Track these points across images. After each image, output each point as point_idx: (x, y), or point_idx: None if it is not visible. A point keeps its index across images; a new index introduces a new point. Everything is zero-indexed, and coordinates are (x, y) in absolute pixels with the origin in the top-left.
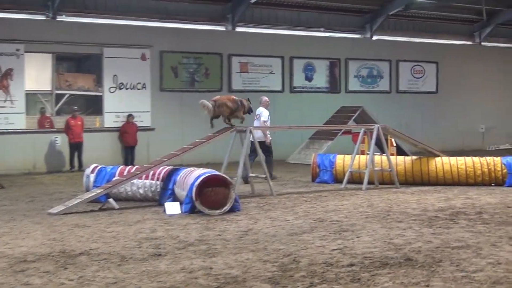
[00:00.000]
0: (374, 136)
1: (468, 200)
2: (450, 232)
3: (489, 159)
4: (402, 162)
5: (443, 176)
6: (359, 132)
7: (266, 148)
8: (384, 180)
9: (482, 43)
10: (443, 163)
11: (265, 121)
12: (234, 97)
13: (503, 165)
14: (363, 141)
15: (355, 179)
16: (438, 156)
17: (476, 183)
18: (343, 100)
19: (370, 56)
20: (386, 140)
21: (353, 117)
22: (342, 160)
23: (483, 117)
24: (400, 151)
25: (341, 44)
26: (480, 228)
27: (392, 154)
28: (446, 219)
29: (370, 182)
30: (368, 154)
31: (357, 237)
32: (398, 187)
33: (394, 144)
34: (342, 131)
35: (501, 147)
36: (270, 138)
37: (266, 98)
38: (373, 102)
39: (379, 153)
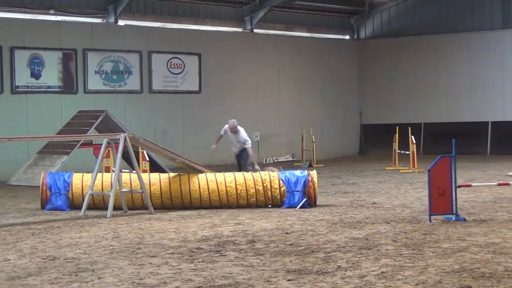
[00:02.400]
0: (120, 149)
1: (238, 226)
2: (215, 267)
3: (265, 174)
4: (157, 181)
5: (208, 197)
6: (101, 144)
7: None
8: (135, 204)
9: (255, 30)
10: (208, 181)
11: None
12: None
13: (281, 182)
14: (107, 155)
15: (98, 204)
16: (202, 172)
17: (249, 204)
18: (81, 102)
19: (116, 46)
20: (137, 153)
21: (95, 125)
22: (80, 180)
23: (258, 123)
24: (155, 167)
25: (77, 31)
26: (252, 261)
27: (145, 171)
28: (211, 251)
29: (117, 208)
30: (113, 171)
31: (99, 278)
32: (152, 212)
33: (147, 158)
34: (81, 142)
35: (281, 159)
36: None
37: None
38: (120, 104)
39: (128, 170)
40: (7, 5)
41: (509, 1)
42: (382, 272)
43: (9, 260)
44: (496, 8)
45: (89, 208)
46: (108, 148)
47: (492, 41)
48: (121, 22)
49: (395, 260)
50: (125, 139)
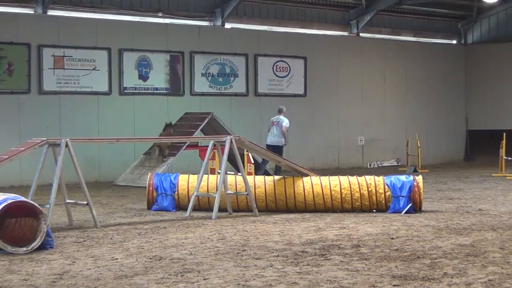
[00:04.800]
0: (226, 151)
1: (343, 231)
2: (320, 270)
3: (370, 179)
4: (262, 183)
5: (312, 200)
6: (207, 146)
7: (280, 152)
8: (240, 206)
9: (361, 34)
10: (312, 184)
11: (287, 128)
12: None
13: (386, 187)
14: (212, 157)
15: (203, 206)
16: (306, 175)
17: (353, 208)
18: (187, 104)
19: (222, 49)
20: (242, 155)
21: (201, 127)
22: (186, 182)
23: (363, 127)
24: (259, 169)
25: (185, 33)
26: (357, 265)
27: (250, 174)
28: (315, 255)
29: (222, 209)
30: (219, 173)
31: (204, 279)
32: (257, 215)
33: (252, 161)
34: (187, 144)
35: (385, 164)
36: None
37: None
38: (225, 107)
39: (233, 173)
40: (117, 7)
41: None
42: (489, 280)
43: (116, 259)
44: None
45: (194, 209)
46: (214, 150)
47: None
48: (228, 25)
49: (502, 268)
50: (231, 141)
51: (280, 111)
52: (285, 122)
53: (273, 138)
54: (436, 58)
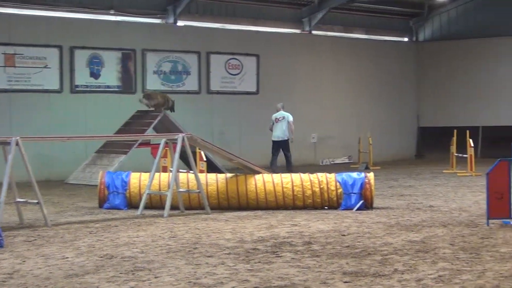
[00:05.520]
0: (178, 149)
1: (295, 228)
2: (271, 268)
3: (322, 176)
4: (214, 181)
5: (264, 198)
6: (159, 144)
7: (287, 146)
8: (192, 204)
9: (313, 32)
10: (264, 182)
11: (292, 122)
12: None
13: (338, 184)
14: (164, 155)
15: (155, 204)
16: (259, 173)
17: (305, 206)
18: (139, 102)
19: (174, 47)
20: (194, 153)
21: (153, 125)
22: (138, 180)
23: (315, 124)
24: (212, 167)
25: (137, 31)
26: (308, 262)
27: (202, 172)
28: (267, 252)
29: (174, 207)
30: (171, 171)
31: (155, 277)
32: (209, 212)
33: (204, 159)
34: (139, 142)
35: (337, 161)
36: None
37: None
38: (177, 105)
39: (185, 170)
40: (69, 5)
41: None
42: (440, 276)
43: (67, 258)
44: None
45: (146, 207)
46: (166, 148)
47: None
48: (180, 23)
49: (452, 264)
50: (183, 139)
51: (280, 108)
52: (291, 117)
53: (279, 134)
54: (387, 56)
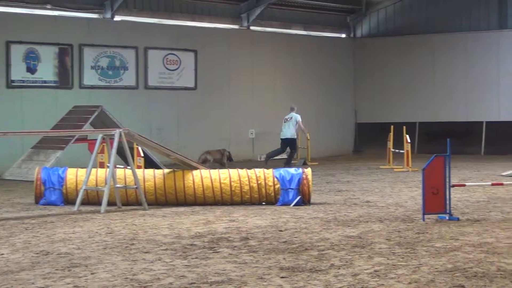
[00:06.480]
0: (115, 144)
1: (232, 223)
2: (208, 263)
3: (259, 172)
4: (151, 177)
5: (202, 193)
6: (96, 139)
7: (293, 145)
8: (129, 200)
9: (251, 28)
10: (202, 177)
11: (300, 121)
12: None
13: (275, 179)
14: (102, 151)
15: (92, 200)
16: (196, 168)
17: (243, 201)
18: (76, 97)
19: (112, 42)
20: (132, 149)
21: (90, 120)
22: (74, 176)
23: (253, 120)
24: (150, 163)
25: (74, 25)
26: (245, 258)
27: (139, 167)
28: (204, 248)
29: (111, 203)
30: (108, 167)
31: (92, 274)
32: (146, 208)
33: (142, 154)
34: (76, 137)
35: (275, 157)
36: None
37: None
38: (115, 100)
39: (122, 166)
40: None
41: (506, 3)
42: (375, 271)
43: (2, 254)
44: (493, 9)
45: (83, 203)
46: (103, 144)
47: (488, 42)
48: (117, 18)
49: (388, 259)
50: (120, 134)
51: (291, 109)
52: (298, 117)
53: (285, 133)
54: (325, 52)
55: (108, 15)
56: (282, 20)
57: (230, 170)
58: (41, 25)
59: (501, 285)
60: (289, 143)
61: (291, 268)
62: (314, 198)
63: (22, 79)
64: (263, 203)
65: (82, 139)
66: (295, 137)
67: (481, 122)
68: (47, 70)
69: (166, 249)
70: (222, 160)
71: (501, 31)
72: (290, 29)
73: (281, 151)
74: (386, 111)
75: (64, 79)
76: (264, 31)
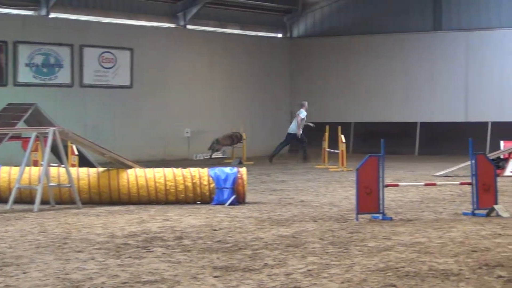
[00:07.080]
0: (49, 142)
1: (166, 223)
2: (142, 263)
3: (194, 171)
4: (85, 175)
5: (137, 192)
6: (30, 137)
7: (299, 138)
8: (63, 198)
9: (188, 26)
10: (137, 176)
11: (302, 118)
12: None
13: (210, 178)
14: (35, 149)
15: (25, 198)
16: (131, 167)
17: (178, 200)
18: (11, 95)
19: (47, 39)
20: (66, 147)
21: (24, 118)
22: (7, 174)
23: (189, 119)
24: (84, 162)
25: (8, 22)
26: (179, 257)
27: (73, 166)
28: (138, 247)
29: (44, 202)
30: (42, 165)
31: (24, 273)
32: (80, 207)
33: (76, 153)
34: (9, 135)
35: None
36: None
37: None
38: (50, 98)
39: (56, 164)
40: None
41: (440, 5)
42: (308, 270)
43: None
44: (427, 11)
45: (16, 202)
46: (37, 142)
47: (423, 43)
48: (53, 15)
49: (321, 258)
50: (54, 133)
51: (301, 106)
52: (302, 114)
53: (291, 127)
54: (262, 51)
55: (44, 12)
56: (218, 19)
57: (166, 169)
58: None
59: (432, 284)
60: (293, 137)
61: (225, 267)
62: (249, 197)
63: None
64: (198, 202)
65: (16, 137)
66: (296, 132)
67: (415, 123)
68: None
69: (100, 248)
70: (233, 145)
71: (435, 32)
72: (226, 28)
73: (284, 144)
74: (322, 111)
75: None
76: (200, 30)
